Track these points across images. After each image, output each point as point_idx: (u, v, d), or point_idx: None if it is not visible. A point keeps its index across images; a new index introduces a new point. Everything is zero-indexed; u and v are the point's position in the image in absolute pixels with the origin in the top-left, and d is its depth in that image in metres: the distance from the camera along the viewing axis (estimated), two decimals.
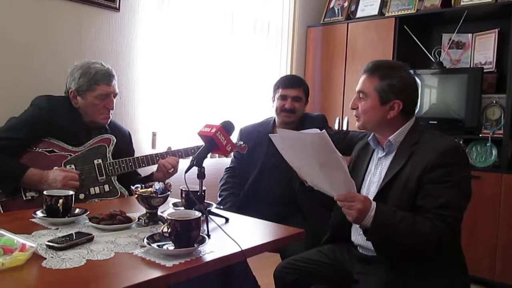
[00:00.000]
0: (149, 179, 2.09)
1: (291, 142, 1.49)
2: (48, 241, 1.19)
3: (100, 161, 1.95)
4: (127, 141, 2.21)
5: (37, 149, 1.88)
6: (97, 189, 1.93)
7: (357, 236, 1.68)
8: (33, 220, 1.46)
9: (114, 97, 2.04)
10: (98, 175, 1.94)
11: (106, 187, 1.94)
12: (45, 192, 1.48)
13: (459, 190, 1.47)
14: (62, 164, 1.89)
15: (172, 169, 2.04)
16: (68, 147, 1.93)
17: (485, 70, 3.08)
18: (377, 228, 1.42)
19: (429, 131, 1.64)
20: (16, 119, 1.90)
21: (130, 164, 1.99)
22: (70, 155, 1.92)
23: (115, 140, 2.01)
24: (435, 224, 1.41)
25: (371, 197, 1.59)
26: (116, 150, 2.01)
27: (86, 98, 1.96)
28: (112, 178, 1.97)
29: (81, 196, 1.87)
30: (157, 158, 2.04)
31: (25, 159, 1.85)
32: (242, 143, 2.06)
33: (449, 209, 1.44)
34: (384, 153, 1.66)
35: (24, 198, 1.83)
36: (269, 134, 1.54)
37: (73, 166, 1.90)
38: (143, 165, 2.02)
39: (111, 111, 2.03)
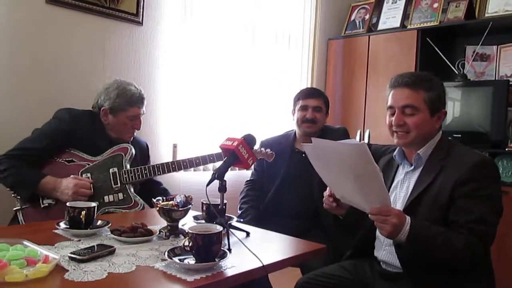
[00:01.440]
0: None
1: (325, 152, 1.43)
2: (71, 253, 1.20)
3: (115, 169, 1.98)
4: (145, 153, 2.26)
5: (59, 159, 1.96)
6: (111, 197, 1.95)
7: (381, 251, 1.65)
8: (55, 231, 1.47)
9: (141, 116, 2.12)
10: (112, 183, 1.97)
11: (120, 195, 1.96)
12: (67, 204, 1.51)
13: (491, 205, 1.44)
14: (79, 173, 1.94)
15: None
16: (87, 157, 1.98)
17: (511, 83, 3.01)
18: (412, 243, 1.38)
19: (458, 145, 1.61)
20: (39, 130, 1.97)
21: (145, 172, 2.01)
22: (88, 164, 1.97)
23: (132, 149, 2.04)
24: (468, 239, 1.38)
25: None
26: (134, 161, 2.04)
27: (117, 117, 2.04)
28: (127, 187, 1.99)
29: (95, 204, 1.89)
30: (173, 166, 2.05)
31: (46, 169, 1.92)
32: (269, 150, 2.06)
33: (482, 224, 1.40)
34: (412, 167, 1.62)
35: (42, 206, 1.88)
36: (302, 144, 1.48)
37: (89, 175, 1.95)
38: (159, 173, 2.04)
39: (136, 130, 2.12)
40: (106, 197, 1.95)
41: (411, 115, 1.56)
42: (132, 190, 2.00)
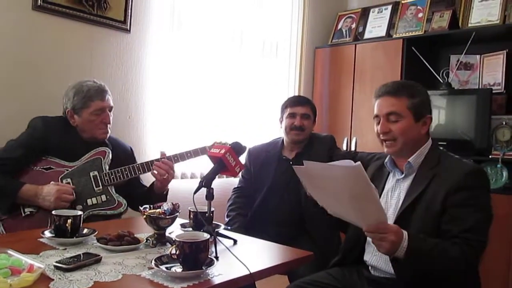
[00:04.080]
0: (151, 189, 2.09)
1: (318, 174, 1.44)
2: (56, 262, 1.19)
3: (96, 173, 1.97)
4: (129, 156, 2.22)
5: (36, 167, 1.93)
6: (94, 200, 1.94)
7: (370, 256, 1.65)
8: (41, 240, 1.46)
9: (110, 111, 2.06)
10: (94, 186, 1.96)
11: (103, 197, 1.96)
12: (53, 212, 1.50)
13: (484, 214, 1.46)
14: (59, 179, 1.92)
15: (166, 175, 2.01)
16: (64, 163, 1.96)
17: (494, 91, 3.06)
18: (411, 258, 1.38)
19: (448, 154, 1.63)
20: (13, 141, 1.94)
21: (126, 172, 2.00)
22: (67, 170, 1.95)
23: (110, 152, 2.03)
24: (463, 249, 1.39)
25: (389, 221, 1.57)
26: (118, 165, 2.02)
27: (82, 116, 1.99)
28: (109, 188, 1.98)
29: (79, 207, 1.87)
30: (153, 165, 2.02)
31: (24, 178, 1.89)
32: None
33: (476, 234, 1.42)
34: (402, 175, 1.64)
35: (23, 214, 1.85)
36: (293, 166, 1.47)
37: (69, 180, 1.93)
38: (139, 172, 2.02)
39: (109, 125, 2.06)
40: (89, 200, 1.93)
41: (395, 121, 1.60)
42: (114, 191, 1.99)
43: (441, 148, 1.67)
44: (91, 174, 1.97)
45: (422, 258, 1.39)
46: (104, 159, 2.00)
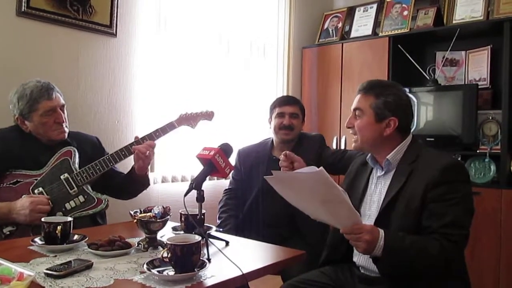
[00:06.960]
0: (132, 173, 2.04)
1: (288, 182, 1.48)
2: (47, 269, 1.18)
3: (66, 175, 1.89)
4: (97, 148, 2.14)
5: (2, 184, 1.84)
6: (72, 203, 1.87)
7: (359, 256, 1.67)
8: (31, 247, 1.44)
9: (62, 109, 1.96)
10: (69, 189, 1.88)
11: (81, 198, 1.88)
12: (43, 219, 1.48)
13: (463, 207, 1.47)
14: (30, 190, 1.84)
15: (148, 152, 1.95)
16: (31, 173, 1.88)
17: (479, 87, 3.09)
18: (388, 257, 1.40)
19: (427, 149, 1.65)
20: None
21: (98, 167, 1.92)
22: (36, 179, 1.87)
23: (75, 150, 1.95)
24: (443, 245, 1.40)
25: (372, 218, 1.58)
26: (87, 159, 1.95)
27: (32, 120, 1.89)
28: (85, 187, 1.90)
29: (59, 214, 1.81)
30: (123, 153, 1.97)
31: None
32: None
33: (456, 228, 1.43)
34: (383, 172, 1.65)
35: (3, 235, 1.77)
36: (265, 176, 1.48)
37: (41, 189, 1.85)
38: (111, 164, 1.95)
39: (64, 124, 1.96)
40: (67, 205, 1.86)
41: (358, 117, 1.65)
42: (90, 189, 1.92)
43: (420, 142, 1.70)
44: (62, 177, 1.88)
45: (400, 256, 1.42)
46: (71, 159, 1.92)
